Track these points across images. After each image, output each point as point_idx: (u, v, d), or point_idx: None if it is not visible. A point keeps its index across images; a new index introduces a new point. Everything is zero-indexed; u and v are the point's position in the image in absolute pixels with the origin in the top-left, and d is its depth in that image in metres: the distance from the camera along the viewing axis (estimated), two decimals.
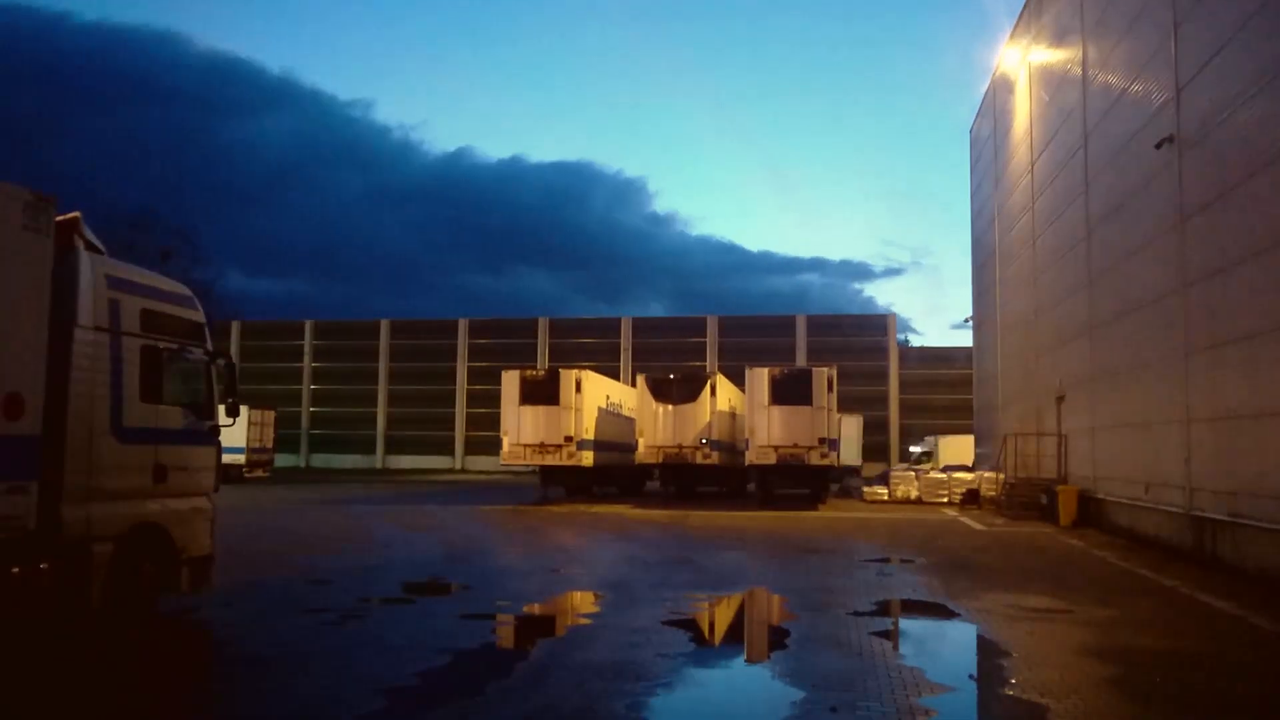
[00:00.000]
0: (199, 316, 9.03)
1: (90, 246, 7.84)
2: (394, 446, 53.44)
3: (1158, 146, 14.92)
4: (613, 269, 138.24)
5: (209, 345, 9.13)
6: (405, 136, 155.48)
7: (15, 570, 6.79)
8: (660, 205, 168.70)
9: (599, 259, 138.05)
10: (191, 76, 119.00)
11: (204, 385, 9.03)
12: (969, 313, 36.75)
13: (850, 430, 37.29)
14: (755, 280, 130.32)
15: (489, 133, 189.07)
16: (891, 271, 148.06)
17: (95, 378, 7.62)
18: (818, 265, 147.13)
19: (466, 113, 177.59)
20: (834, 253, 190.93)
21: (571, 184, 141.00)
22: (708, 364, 47.84)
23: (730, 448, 27.56)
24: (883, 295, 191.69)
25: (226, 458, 36.79)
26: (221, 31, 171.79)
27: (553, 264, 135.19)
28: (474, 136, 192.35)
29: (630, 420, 29.09)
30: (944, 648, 8.65)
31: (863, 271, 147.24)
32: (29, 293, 6.91)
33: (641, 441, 26.97)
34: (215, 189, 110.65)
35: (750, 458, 24.66)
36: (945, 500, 26.68)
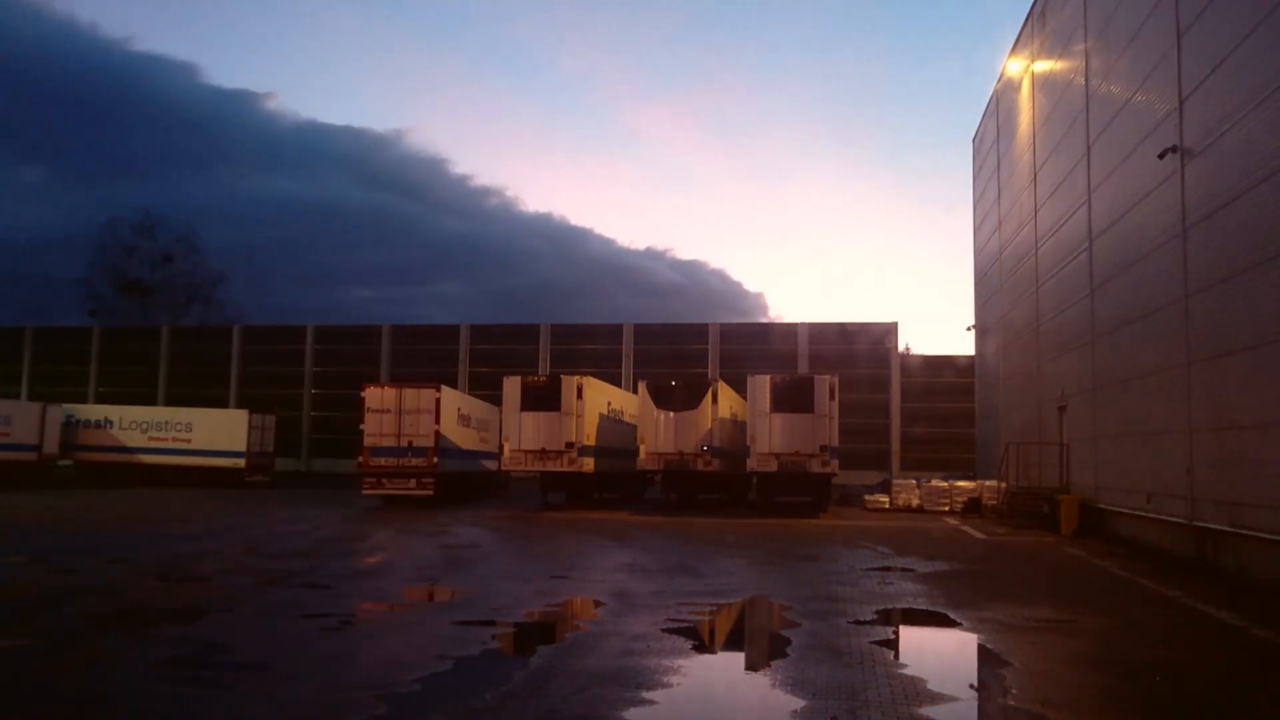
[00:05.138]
0: None
1: None
2: None
3: (1161, 156, 14.96)
4: None
5: None
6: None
7: None
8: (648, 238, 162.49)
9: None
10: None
11: None
12: (971, 320, 36.78)
13: None
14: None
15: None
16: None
17: None
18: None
19: (597, 202, 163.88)
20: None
21: None
22: (709, 371, 47.72)
23: (732, 455, 27.53)
24: (888, 303, 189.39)
25: (228, 461, 36.38)
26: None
27: None
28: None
29: (631, 427, 29.05)
30: (945, 657, 8.64)
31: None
32: None
33: (643, 448, 26.92)
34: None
35: (752, 465, 24.66)
36: (947, 509, 26.65)
